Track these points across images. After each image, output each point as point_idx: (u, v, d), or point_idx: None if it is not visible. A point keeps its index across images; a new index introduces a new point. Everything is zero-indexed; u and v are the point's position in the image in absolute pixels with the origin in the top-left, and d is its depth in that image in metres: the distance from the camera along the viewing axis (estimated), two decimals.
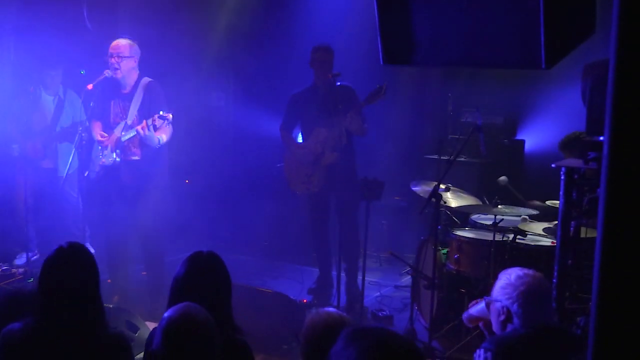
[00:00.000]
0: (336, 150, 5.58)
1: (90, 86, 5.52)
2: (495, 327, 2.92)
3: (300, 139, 6.06)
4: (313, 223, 5.99)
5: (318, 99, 5.67)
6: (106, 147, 5.37)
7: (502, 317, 2.83)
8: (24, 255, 6.51)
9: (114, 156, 5.32)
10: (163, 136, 5.23)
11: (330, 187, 5.70)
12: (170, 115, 5.07)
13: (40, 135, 6.55)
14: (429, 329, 4.85)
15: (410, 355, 1.62)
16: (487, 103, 6.99)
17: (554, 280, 3.59)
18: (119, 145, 5.31)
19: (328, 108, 5.55)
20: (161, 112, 5.04)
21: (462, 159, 6.59)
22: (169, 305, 2.65)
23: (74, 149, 5.69)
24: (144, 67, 5.51)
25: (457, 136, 6.84)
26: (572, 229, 3.73)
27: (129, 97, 5.37)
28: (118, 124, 5.38)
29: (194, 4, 7.80)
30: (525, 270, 2.88)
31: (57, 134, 6.57)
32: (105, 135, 5.38)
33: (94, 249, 6.29)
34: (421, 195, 5.45)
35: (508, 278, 2.86)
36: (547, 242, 4.86)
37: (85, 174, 5.55)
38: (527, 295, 2.78)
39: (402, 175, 6.68)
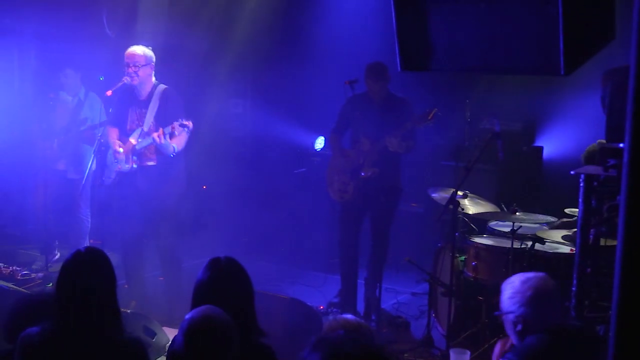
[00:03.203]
0: (376, 165, 5.50)
1: (109, 92, 5.55)
2: (513, 339, 2.90)
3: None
4: (342, 233, 5.85)
5: (370, 108, 5.60)
6: (122, 157, 5.39)
7: (520, 327, 2.81)
8: (45, 258, 6.56)
9: (131, 163, 5.34)
10: (176, 145, 5.24)
11: (365, 200, 5.59)
12: (191, 124, 5.08)
13: (57, 136, 6.51)
14: (446, 337, 4.82)
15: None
16: (505, 109, 6.94)
17: (573, 289, 3.56)
18: (135, 153, 5.34)
19: (377, 120, 5.51)
20: (182, 120, 5.06)
21: (480, 166, 6.54)
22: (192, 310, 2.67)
23: (92, 156, 5.70)
24: (163, 73, 5.54)
25: (475, 143, 6.81)
26: (591, 236, 3.70)
27: (145, 104, 5.39)
28: (134, 130, 5.39)
29: (213, 11, 7.84)
30: (527, 274, 2.87)
31: (73, 136, 6.48)
32: (122, 146, 5.39)
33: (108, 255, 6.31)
34: (439, 202, 5.43)
35: (513, 286, 2.85)
36: (565, 249, 4.82)
37: (103, 179, 5.57)
38: (537, 297, 2.78)
39: (420, 182, 6.65)
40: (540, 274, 2.87)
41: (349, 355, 1.63)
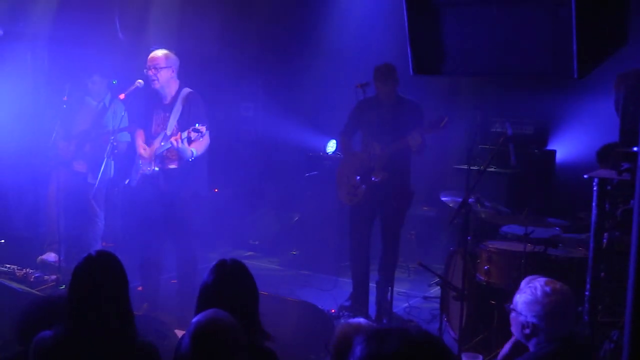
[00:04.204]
0: (386, 170, 5.50)
1: (122, 96, 5.59)
2: (517, 335, 2.92)
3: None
4: (353, 236, 5.85)
5: (381, 112, 5.59)
6: (146, 159, 5.41)
7: (527, 331, 2.82)
8: (52, 255, 6.59)
9: (153, 166, 5.37)
10: (196, 148, 5.25)
11: (375, 203, 5.59)
12: (204, 128, 5.09)
13: (76, 138, 6.58)
14: (458, 341, 4.80)
15: (440, 355, 1.61)
16: (517, 113, 6.92)
17: (587, 293, 3.54)
18: (157, 156, 5.36)
19: (389, 124, 5.50)
20: (196, 125, 5.07)
21: (492, 170, 6.52)
22: (197, 313, 2.68)
23: (105, 159, 5.73)
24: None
25: (487, 146, 6.79)
26: (605, 240, 3.67)
27: (170, 108, 5.42)
28: (159, 134, 5.42)
29: (223, 15, 7.87)
30: (552, 285, 2.84)
31: (91, 139, 6.54)
32: (147, 148, 5.43)
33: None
34: (450, 205, 5.41)
35: (534, 293, 2.83)
36: (579, 253, 4.79)
37: (126, 182, 5.59)
38: (554, 312, 2.77)
39: (431, 186, 6.64)
40: (564, 288, 2.85)
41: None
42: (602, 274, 3.69)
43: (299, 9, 8.08)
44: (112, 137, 5.75)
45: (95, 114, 6.64)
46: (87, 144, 6.54)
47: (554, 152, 7.10)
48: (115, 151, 5.79)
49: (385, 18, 6.99)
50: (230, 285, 2.87)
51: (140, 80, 5.45)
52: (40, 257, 6.67)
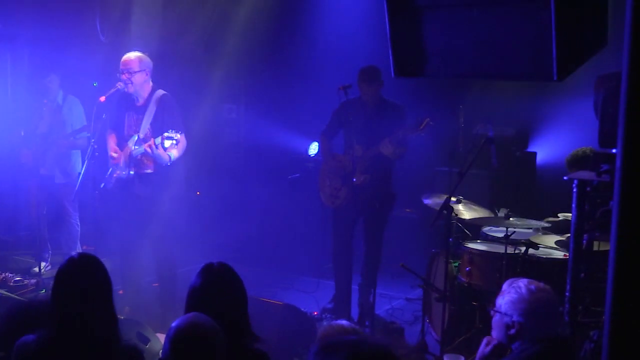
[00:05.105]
0: (368, 172, 5.50)
1: (102, 98, 5.54)
2: (500, 338, 2.92)
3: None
4: (335, 238, 5.84)
5: (364, 114, 5.60)
6: (119, 162, 5.37)
7: (512, 332, 2.82)
8: (38, 266, 6.55)
9: (128, 170, 5.32)
10: (173, 152, 5.20)
11: (357, 205, 5.59)
12: (178, 135, 5.03)
13: (37, 143, 6.51)
14: (440, 342, 4.82)
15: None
16: (498, 115, 6.96)
17: (567, 294, 3.56)
18: (132, 159, 5.31)
19: (370, 126, 5.50)
20: (169, 132, 5.02)
21: (474, 171, 6.55)
22: None
23: (86, 161, 5.69)
24: (156, 79, 5.52)
25: (468, 148, 6.81)
26: (584, 241, 3.70)
27: (142, 110, 5.37)
28: (132, 136, 5.38)
29: (206, 17, 7.84)
30: (535, 284, 2.87)
31: (54, 141, 6.48)
32: (118, 151, 5.38)
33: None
34: (433, 207, 5.43)
35: (519, 292, 2.84)
36: (559, 254, 4.83)
37: (102, 185, 5.54)
38: (541, 311, 2.79)
39: (414, 188, 6.66)
40: (547, 288, 2.88)
41: (367, 356, 1.60)
42: (582, 274, 3.71)
43: (283, 10, 8.07)
44: (93, 140, 5.70)
45: (50, 114, 6.57)
46: (49, 149, 6.48)
47: (534, 153, 7.16)
48: (96, 154, 5.74)
49: (367, 21, 7.00)
50: (218, 287, 2.86)
51: (120, 83, 5.42)
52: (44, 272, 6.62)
